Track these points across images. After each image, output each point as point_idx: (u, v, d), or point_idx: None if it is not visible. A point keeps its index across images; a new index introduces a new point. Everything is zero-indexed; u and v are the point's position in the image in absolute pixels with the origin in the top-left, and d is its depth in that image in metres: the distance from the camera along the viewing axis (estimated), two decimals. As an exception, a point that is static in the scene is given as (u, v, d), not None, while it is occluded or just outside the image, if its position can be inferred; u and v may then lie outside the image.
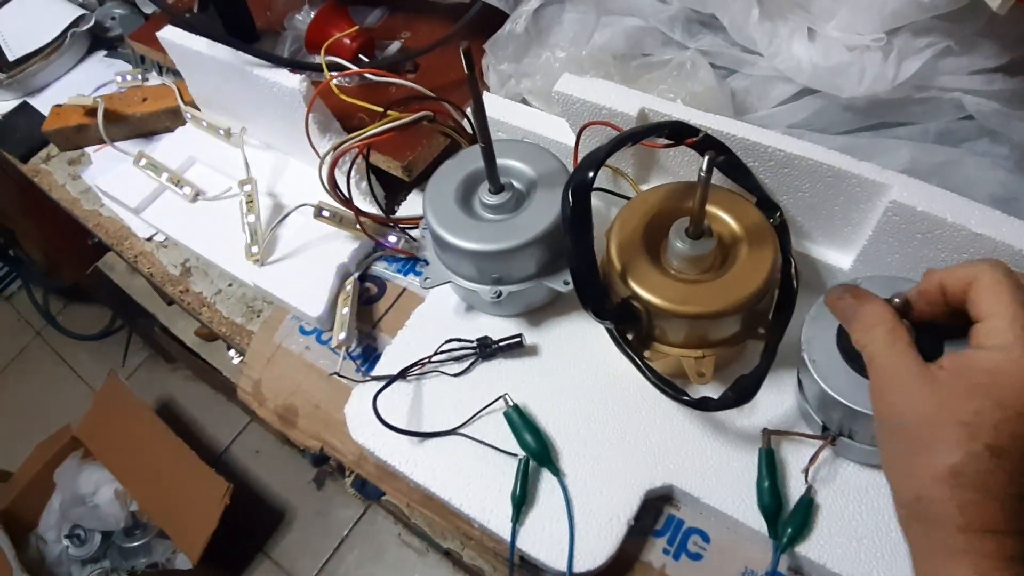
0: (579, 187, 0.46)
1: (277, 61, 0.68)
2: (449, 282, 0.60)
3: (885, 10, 0.54)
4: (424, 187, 0.75)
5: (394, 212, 0.73)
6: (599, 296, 0.49)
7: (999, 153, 0.58)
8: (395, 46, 0.79)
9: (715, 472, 0.54)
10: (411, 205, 0.74)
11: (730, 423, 0.56)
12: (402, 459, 0.57)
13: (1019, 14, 0.47)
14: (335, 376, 0.61)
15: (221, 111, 0.82)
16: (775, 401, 0.56)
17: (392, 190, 0.74)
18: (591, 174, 0.46)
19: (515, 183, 0.59)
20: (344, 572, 1.57)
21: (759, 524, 0.51)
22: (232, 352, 1.31)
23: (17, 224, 1.58)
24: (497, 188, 0.57)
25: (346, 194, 0.63)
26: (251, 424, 1.80)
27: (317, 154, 0.70)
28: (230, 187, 0.79)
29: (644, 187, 0.63)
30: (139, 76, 0.95)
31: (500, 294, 0.58)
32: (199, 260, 0.79)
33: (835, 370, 0.48)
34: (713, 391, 0.54)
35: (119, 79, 0.95)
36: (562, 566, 0.51)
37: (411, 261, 0.70)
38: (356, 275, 0.69)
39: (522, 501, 0.53)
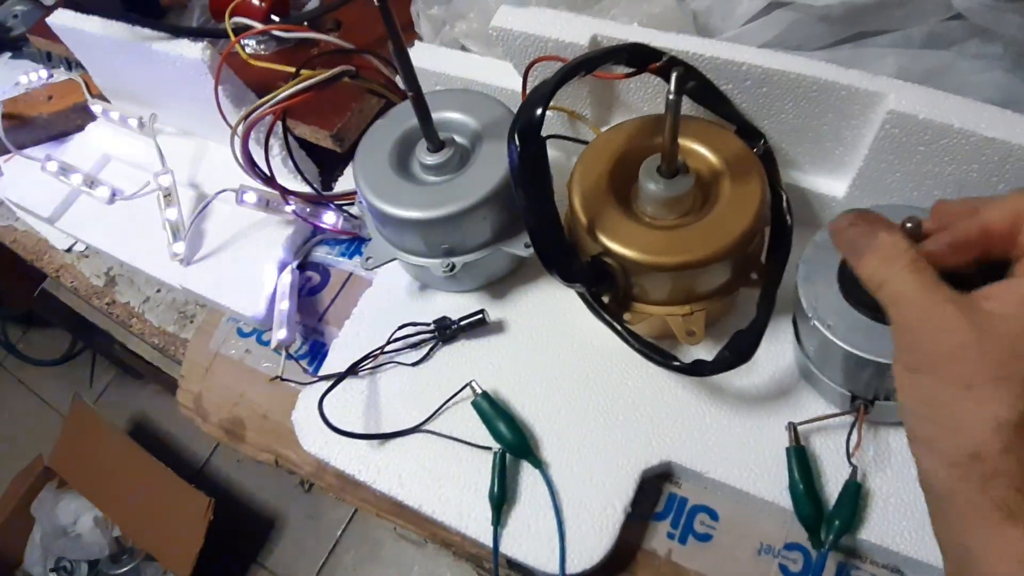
0: (527, 127, 0.39)
1: (175, 31, 0.59)
2: (394, 259, 0.52)
3: None
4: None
5: (331, 190, 0.65)
6: (564, 256, 0.42)
7: (993, 53, 0.53)
8: (313, 2, 0.71)
9: (717, 442, 0.48)
10: (349, 179, 0.66)
11: (727, 385, 0.49)
12: (362, 466, 0.50)
13: None
14: (279, 380, 0.54)
15: (130, 100, 0.73)
16: (775, 353, 0.49)
17: (329, 166, 0.66)
18: (539, 111, 0.39)
19: (457, 138, 0.51)
20: (342, 574, 1.51)
21: (771, 495, 0.45)
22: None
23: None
24: (436, 145, 0.49)
25: (266, 171, 0.55)
26: (231, 433, 1.72)
27: (232, 130, 0.62)
28: (148, 182, 0.71)
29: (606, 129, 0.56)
30: (45, 75, 0.86)
31: (453, 267, 0.50)
32: (123, 267, 0.70)
33: (854, 326, 0.40)
34: (705, 351, 0.47)
35: (24, 78, 0.86)
36: (554, 568, 0.44)
37: (356, 242, 0.63)
38: (295, 264, 0.61)
39: (502, 500, 0.46)
